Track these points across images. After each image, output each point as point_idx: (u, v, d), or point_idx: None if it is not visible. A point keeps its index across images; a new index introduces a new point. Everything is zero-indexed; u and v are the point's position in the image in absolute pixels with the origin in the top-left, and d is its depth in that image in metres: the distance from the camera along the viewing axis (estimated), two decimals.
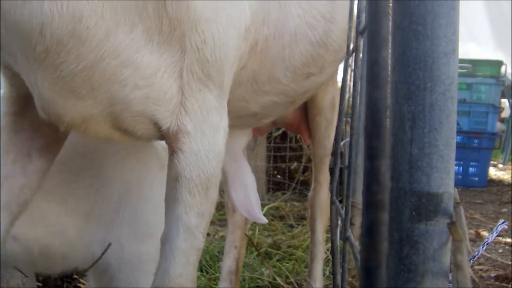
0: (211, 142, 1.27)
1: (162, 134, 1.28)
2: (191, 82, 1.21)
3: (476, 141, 6.41)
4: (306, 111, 2.27)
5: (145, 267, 1.68)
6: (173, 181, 1.29)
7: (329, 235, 2.05)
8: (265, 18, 1.48)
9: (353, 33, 1.53)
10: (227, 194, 2.11)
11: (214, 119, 1.28)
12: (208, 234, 3.50)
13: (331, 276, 2.00)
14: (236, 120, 1.82)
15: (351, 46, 1.54)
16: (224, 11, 1.21)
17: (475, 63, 6.69)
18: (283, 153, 4.95)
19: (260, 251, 2.98)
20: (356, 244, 1.20)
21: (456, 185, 0.87)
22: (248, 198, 1.98)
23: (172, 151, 1.27)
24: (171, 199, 1.31)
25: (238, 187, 2.01)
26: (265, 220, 2.03)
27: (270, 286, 2.60)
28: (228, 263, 2.44)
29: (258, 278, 2.68)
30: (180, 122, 1.24)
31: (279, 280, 2.53)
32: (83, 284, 2.28)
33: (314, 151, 2.33)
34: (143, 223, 1.70)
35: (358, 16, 1.33)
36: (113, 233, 1.68)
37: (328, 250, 2.46)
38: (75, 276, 2.48)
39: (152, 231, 1.70)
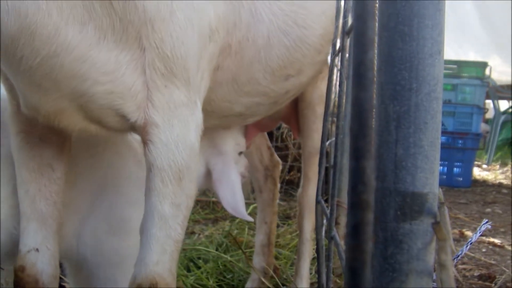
0: (181, 135, 1.33)
1: (133, 126, 1.34)
2: (155, 78, 1.27)
3: (460, 141, 6.45)
4: (297, 104, 2.28)
5: (123, 264, 1.68)
6: (148, 171, 1.36)
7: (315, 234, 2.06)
8: (236, 22, 1.56)
9: (339, 33, 1.54)
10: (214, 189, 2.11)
11: (183, 114, 1.33)
12: (193, 233, 3.50)
13: (317, 275, 2.00)
14: (222, 120, 1.90)
15: (337, 46, 1.55)
16: (181, 12, 1.27)
17: (460, 64, 6.74)
18: None
19: (246, 250, 2.99)
20: (341, 243, 1.20)
21: (440, 185, 0.88)
22: (235, 195, 1.99)
23: (144, 143, 1.34)
24: (147, 190, 1.37)
25: (224, 184, 2.01)
26: (250, 219, 2.06)
27: (256, 285, 2.60)
28: (260, 237, 2.64)
29: (247, 274, 2.68)
30: (148, 115, 1.30)
31: (263, 279, 2.53)
32: (67, 283, 2.27)
33: (303, 146, 2.34)
34: (120, 219, 1.71)
35: (345, 16, 1.33)
36: (88, 227, 1.68)
37: (313, 249, 2.47)
38: (60, 275, 2.46)
39: (129, 227, 1.71)
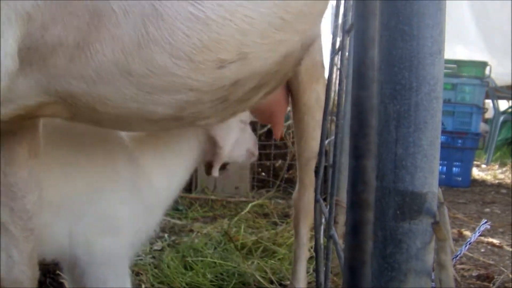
0: None
1: None
2: None
3: (460, 141, 6.45)
4: (282, 102, 2.19)
5: (115, 262, 1.72)
6: None
7: (313, 233, 2.06)
8: None
9: (339, 32, 1.53)
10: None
11: None
12: (191, 231, 3.51)
13: (315, 274, 2.00)
14: (159, 125, 1.55)
15: (337, 45, 1.54)
16: None
17: (460, 63, 6.74)
18: (267, 151, 4.95)
19: (243, 248, 3.00)
20: (340, 242, 1.20)
21: (439, 185, 0.88)
22: (229, 136, 2.03)
23: None
24: None
25: (224, 128, 2.02)
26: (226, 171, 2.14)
27: (253, 284, 2.61)
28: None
29: (242, 274, 2.68)
30: None
31: (259, 278, 2.53)
32: (66, 279, 2.27)
33: (300, 153, 2.26)
34: (111, 218, 1.73)
35: (345, 15, 1.33)
36: (80, 226, 1.69)
37: (312, 248, 2.47)
38: (58, 272, 2.47)
39: (120, 227, 1.73)
